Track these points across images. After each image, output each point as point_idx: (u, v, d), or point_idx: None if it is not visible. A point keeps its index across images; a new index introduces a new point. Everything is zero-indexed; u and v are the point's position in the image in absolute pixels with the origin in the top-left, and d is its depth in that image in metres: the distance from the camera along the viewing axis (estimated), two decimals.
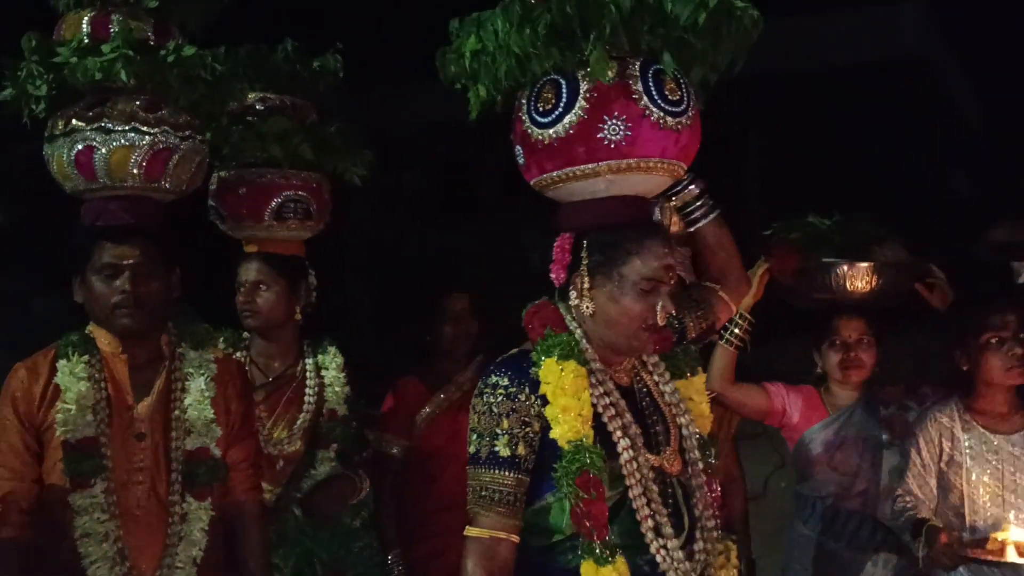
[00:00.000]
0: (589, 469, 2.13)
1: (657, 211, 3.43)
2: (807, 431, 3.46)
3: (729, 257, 2.61)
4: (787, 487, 4.39)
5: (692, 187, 2.56)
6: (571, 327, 2.29)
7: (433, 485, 3.72)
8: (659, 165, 2.27)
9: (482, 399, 2.22)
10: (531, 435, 2.19)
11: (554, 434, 2.17)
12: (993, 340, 3.12)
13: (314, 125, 3.43)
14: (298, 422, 3.27)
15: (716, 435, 2.49)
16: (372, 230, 7.23)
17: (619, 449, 2.21)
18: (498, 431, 2.19)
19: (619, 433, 2.22)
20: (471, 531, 2.21)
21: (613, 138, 2.21)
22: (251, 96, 3.35)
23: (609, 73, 2.19)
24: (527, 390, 2.20)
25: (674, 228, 3.49)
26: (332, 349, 3.38)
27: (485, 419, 2.21)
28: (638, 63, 2.24)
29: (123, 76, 2.63)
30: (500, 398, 2.20)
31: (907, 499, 3.17)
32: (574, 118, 2.22)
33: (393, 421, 3.78)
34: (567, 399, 2.17)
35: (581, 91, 2.22)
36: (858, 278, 3.37)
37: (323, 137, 3.36)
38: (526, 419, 2.19)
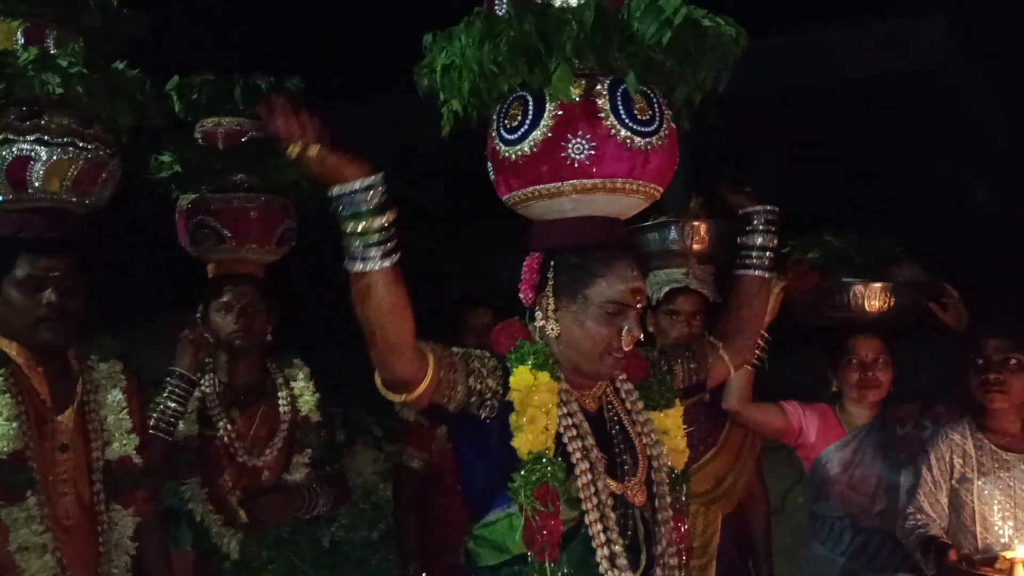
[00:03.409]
0: (549, 481, 2.08)
1: (675, 229, 3.48)
2: (824, 451, 3.46)
3: (752, 319, 2.56)
4: (806, 502, 4.37)
5: (761, 236, 2.57)
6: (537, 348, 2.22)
7: (454, 498, 3.74)
8: (626, 186, 2.20)
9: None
10: (478, 387, 2.14)
11: (515, 443, 2.11)
12: (1012, 362, 3.12)
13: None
14: (277, 433, 3.37)
15: (689, 469, 2.38)
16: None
17: (577, 471, 2.14)
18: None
19: (579, 455, 2.15)
20: None
21: (577, 157, 2.16)
22: (208, 122, 3.46)
23: (575, 91, 2.14)
24: (499, 374, 2.17)
25: (697, 247, 3.52)
26: (297, 361, 3.51)
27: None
28: (608, 81, 2.19)
29: (80, 91, 2.63)
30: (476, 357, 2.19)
31: (918, 517, 3.17)
32: (539, 136, 2.17)
33: (415, 435, 3.83)
34: (534, 409, 2.12)
35: (547, 109, 2.17)
36: (874, 298, 3.39)
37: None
38: (484, 377, 2.15)
